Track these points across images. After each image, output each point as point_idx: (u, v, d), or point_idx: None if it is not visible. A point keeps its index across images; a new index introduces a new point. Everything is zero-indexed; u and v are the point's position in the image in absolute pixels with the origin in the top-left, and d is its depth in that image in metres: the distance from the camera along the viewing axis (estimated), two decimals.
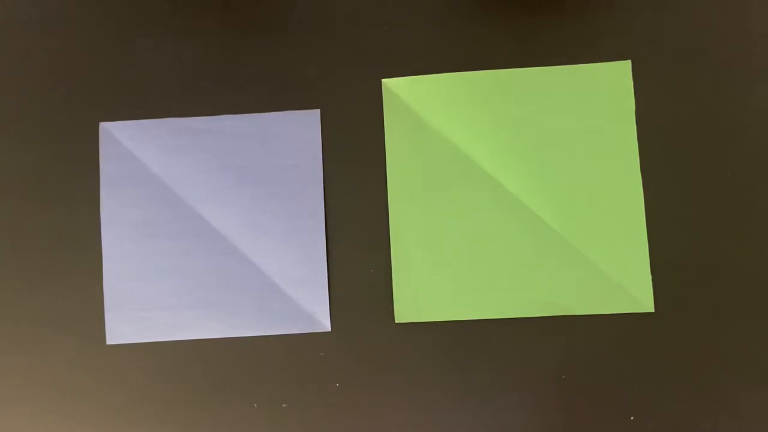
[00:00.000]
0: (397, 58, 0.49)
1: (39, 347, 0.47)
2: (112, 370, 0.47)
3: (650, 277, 0.46)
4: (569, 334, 0.46)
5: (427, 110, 0.48)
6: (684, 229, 0.46)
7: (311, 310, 0.47)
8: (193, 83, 0.49)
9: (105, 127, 0.49)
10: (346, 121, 0.48)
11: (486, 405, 0.46)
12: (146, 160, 0.49)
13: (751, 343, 0.45)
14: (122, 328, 0.47)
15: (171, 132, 0.49)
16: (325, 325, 0.47)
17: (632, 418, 0.45)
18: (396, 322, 0.47)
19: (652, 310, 0.46)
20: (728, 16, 0.48)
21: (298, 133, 0.48)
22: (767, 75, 0.47)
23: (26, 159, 0.49)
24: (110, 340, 0.47)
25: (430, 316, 0.46)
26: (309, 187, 0.48)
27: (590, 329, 0.46)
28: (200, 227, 0.48)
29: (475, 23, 0.49)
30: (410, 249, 0.47)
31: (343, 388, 0.46)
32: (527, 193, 0.47)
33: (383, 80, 0.49)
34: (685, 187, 0.47)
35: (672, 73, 0.48)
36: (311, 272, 0.47)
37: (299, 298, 0.47)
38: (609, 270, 0.46)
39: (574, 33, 0.48)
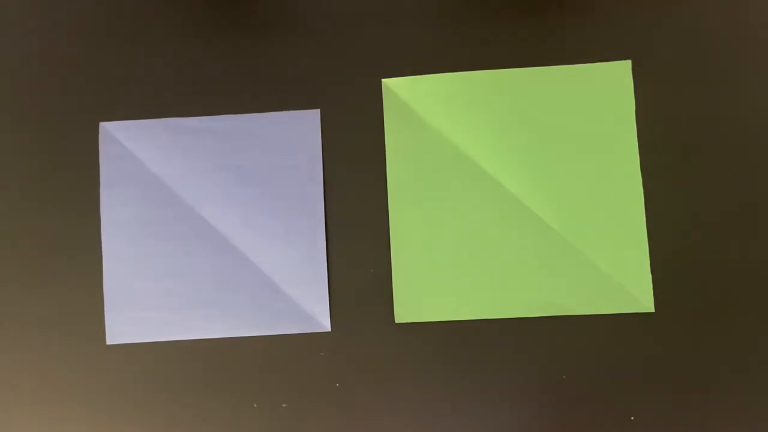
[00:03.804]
0: (397, 58, 0.49)
1: (39, 347, 0.47)
2: (112, 370, 0.47)
3: (650, 277, 0.46)
4: (569, 334, 0.46)
5: (427, 110, 0.48)
6: (684, 229, 0.46)
7: (311, 310, 0.47)
8: (193, 83, 0.49)
9: (105, 127, 0.49)
10: (346, 121, 0.48)
11: (486, 405, 0.46)
12: (146, 160, 0.49)
13: (750, 343, 0.45)
14: (122, 328, 0.47)
15: (171, 132, 0.49)
16: (325, 325, 0.47)
17: (632, 418, 0.45)
18: (396, 322, 0.47)
19: (652, 310, 0.46)
20: (728, 16, 0.48)
21: (298, 133, 0.48)
22: (767, 75, 0.47)
23: (26, 159, 0.49)
24: (110, 340, 0.47)
25: (430, 316, 0.46)
26: (309, 187, 0.48)
27: (590, 329, 0.46)
28: (200, 227, 0.48)
29: (475, 23, 0.49)
30: (410, 249, 0.47)
31: (343, 388, 0.46)
32: (527, 193, 0.47)
33: (383, 80, 0.49)
34: (685, 187, 0.47)
35: (672, 73, 0.48)
36: (311, 272, 0.47)
37: (299, 298, 0.47)
38: (609, 270, 0.46)
39: (574, 33, 0.48)
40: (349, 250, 0.47)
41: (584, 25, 0.48)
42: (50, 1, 0.50)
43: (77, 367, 0.47)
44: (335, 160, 0.48)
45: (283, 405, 0.46)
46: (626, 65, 0.48)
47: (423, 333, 0.47)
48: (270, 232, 0.48)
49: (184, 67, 0.49)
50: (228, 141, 0.48)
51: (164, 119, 0.49)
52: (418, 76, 0.48)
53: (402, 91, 0.48)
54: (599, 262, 0.46)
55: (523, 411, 0.46)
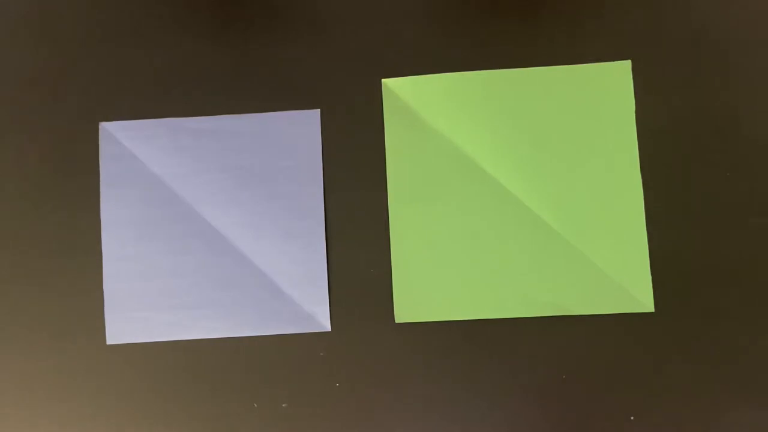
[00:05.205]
0: (397, 58, 0.49)
1: (39, 347, 0.47)
2: (112, 370, 0.47)
3: (650, 277, 0.46)
4: (569, 334, 0.46)
5: (427, 110, 0.48)
6: (684, 229, 0.46)
7: (311, 310, 0.47)
8: (193, 83, 0.49)
9: (105, 127, 0.49)
10: (346, 121, 0.48)
11: (486, 405, 0.46)
12: (146, 160, 0.49)
13: (750, 343, 0.45)
14: (122, 328, 0.47)
15: (171, 132, 0.49)
16: (325, 325, 0.47)
17: (632, 418, 0.45)
18: (396, 322, 0.47)
19: (652, 310, 0.46)
20: (728, 15, 0.48)
21: (298, 133, 0.48)
22: (767, 74, 0.47)
23: (26, 159, 0.49)
24: (110, 340, 0.47)
25: (430, 316, 0.46)
26: (309, 187, 0.48)
27: (590, 329, 0.46)
28: (200, 227, 0.48)
29: (475, 23, 0.49)
30: (410, 249, 0.47)
31: (343, 388, 0.46)
32: (527, 193, 0.47)
33: (383, 80, 0.49)
34: (685, 187, 0.47)
35: (672, 73, 0.48)
36: (311, 272, 0.47)
37: (299, 298, 0.47)
38: (609, 270, 0.46)
39: (574, 33, 0.48)
40: (349, 250, 0.47)
41: (584, 25, 0.48)
42: (50, 1, 0.50)
43: (77, 368, 0.47)
44: (335, 160, 0.48)
45: (283, 405, 0.46)
46: (626, 65, 0.48)
47: (423, 333, 0.47)
48: (270, 232, 0.48)
49: (184, 67, 0.49)
50: (228, 141, 0.48)
51: (164, 119, 0.49)
52: (418, 76, 0.48)
53: (402, 91, 0.48)
54: (599, 262, 0.46)
55: (523, 411, 0.46)
